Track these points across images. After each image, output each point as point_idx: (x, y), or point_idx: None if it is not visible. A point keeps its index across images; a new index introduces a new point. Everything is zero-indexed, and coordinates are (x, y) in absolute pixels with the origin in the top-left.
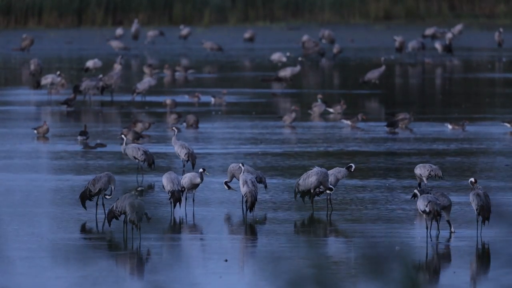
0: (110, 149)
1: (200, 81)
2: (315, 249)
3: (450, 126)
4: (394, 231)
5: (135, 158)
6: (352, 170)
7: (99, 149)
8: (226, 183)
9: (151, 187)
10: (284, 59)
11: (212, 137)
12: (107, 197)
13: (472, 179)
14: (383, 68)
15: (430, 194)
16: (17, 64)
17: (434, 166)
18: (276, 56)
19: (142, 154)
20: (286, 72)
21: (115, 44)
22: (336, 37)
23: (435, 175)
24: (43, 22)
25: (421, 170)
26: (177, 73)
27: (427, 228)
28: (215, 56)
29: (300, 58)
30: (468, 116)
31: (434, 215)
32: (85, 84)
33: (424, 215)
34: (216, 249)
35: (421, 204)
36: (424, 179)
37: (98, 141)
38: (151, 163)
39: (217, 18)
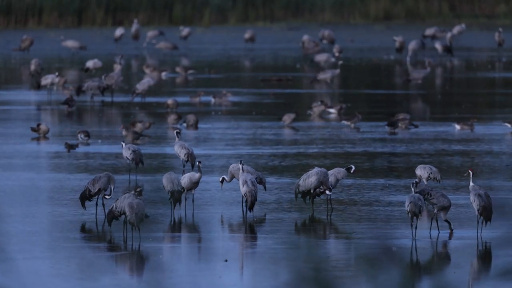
0: (109, 150)
1: (200, 82)
2: (314, 251)
3: (458, 126)
4: (393, 232)
5: (127, 158)
6: (352, 172)
7: (95, 150)
8: (222, 180)
9: (140, 187)
10: (332, 60)
11: (212, 137)
12: (106, 197)
13: (470, 171)
14: (428, 69)
15: (432, 192)
16: (17, 64)
17: (434, 169)
18: (323, 57)
19: (131, 153)
20: (326, 75)
21: (70, 43)
22: (336, 37)
23: (434, 178)
24: (43, 22)
25: (421, 171)
26: (163, 74)
27: (411, 226)
28: (216, 56)
29: (340, 62)
30: (468, 116)
31: (411, 216)
32: (88, 84)
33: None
34: (216, 249)
35: (405, 203)
36: (424, 180)
37: (70, 142)
38: (138, 161)
39: (217, 18)
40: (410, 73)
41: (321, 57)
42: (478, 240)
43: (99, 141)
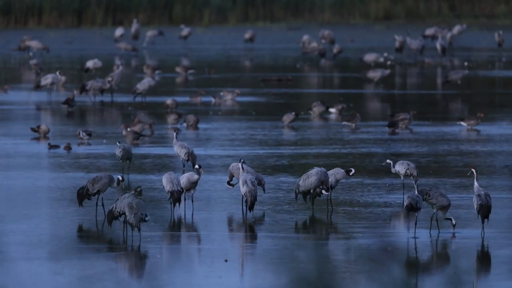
0: (108, 150)
1: (200, 82)
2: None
3: (464, 124)
4: (393, 231)
5: (117, 156)
6: (351, 174)
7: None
8: (228, 182)
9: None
10: (381, 60)
11: (212, 137)
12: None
13: (473, 170)
14: (466, 71)
15: (430, 192)
16: (17, 64)
17: (411, 165)
18: (372, 57)
19: (120, 151)
20: (376, 74)
21: (34, 44)
22: (336, 37)
23: (410, 174)
24: (43, 22)
25: (399, 167)
26: (156, 72)
27: (415, 225)
28: (216, 56)
29: (389, 62)
30: (468, 116)
31: (407, 210)
32: (91, 83)
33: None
34: (216, 249)
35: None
36: (402, 176)
37: (52, 142)
38: (125, 159)
39: (217, 18)
40: (448, 74)
41: (369, 57)
42: (479, 240)
43: (104, 140)
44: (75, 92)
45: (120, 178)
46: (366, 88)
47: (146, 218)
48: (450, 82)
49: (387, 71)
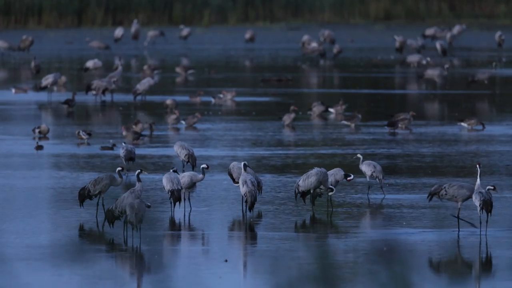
0: (107, 150)
1: (200, 82)
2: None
3: (465, 124)
4: (393, 232)
5: (121, 157)
6: (348, 180)
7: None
8: (233, 181)
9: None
10: (424, 62)
11: (211, 137)
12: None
13: (477, 166)
14: (493, 70)
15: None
16: (17, 64)
17: (378, 168)
18: (415, 58)
19: (123, 151)
20: (434, 72)
21: (1, 43)
22: (336, 37)
23: (376, 177)
24: (43, 22)
25: (365, 168)
26: (154, 72)
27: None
28: (216, 56)
29: (446, 66)
30: (467, 117)
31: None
32: (96, 83)
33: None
34: (216, 249)
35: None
36: (367, 177)
37: (38, 142)
38: (127, 159)
39: (217, 18)
40: (475, 74)
41: (413, 58)
42: (480, 239)
43: (110, 140)
44: (97, 92)
45: (120, 168)
46: (420, 89)
47: (149, 204)
48: (477, 82)
49: (445, 72)
